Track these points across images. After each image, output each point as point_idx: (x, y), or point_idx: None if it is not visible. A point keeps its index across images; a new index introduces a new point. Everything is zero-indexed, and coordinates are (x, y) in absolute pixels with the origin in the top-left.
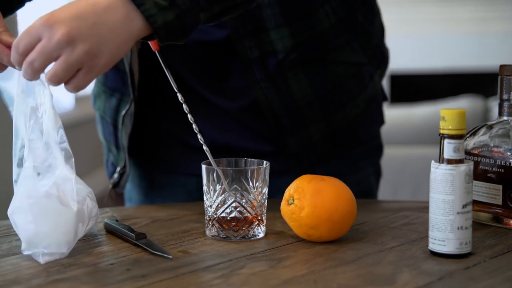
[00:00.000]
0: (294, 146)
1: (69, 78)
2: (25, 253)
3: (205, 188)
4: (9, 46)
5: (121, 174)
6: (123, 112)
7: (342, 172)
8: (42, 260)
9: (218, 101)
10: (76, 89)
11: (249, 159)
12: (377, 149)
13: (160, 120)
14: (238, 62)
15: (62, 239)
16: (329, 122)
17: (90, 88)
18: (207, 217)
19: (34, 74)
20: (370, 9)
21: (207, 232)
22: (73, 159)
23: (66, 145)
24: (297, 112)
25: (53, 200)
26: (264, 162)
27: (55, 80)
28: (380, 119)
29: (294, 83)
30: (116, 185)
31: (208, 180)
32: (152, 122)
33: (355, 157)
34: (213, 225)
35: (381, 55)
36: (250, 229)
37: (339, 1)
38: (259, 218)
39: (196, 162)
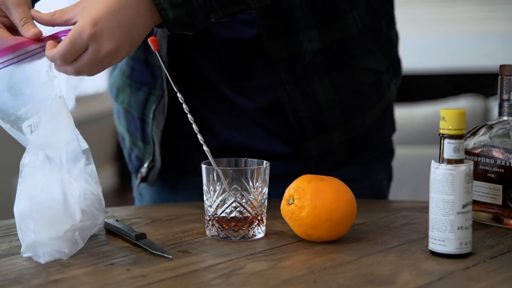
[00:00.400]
0: (314, 150)
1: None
2: (25, 255)
3: (205, 188)
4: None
5: (150, 169)
6: (153, 106)
7: (357, 177)
8: (42, 260)
9: (236, 99)
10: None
11: (249, 159)
12: (389, 153)
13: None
14: (260, 61)
15: (62, 248)
16: (349, 128)
17: (91, 88)
18: (207, 217)
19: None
20: (390, 18)
21: (207, 232)
22: (82, 161)
23: (78, 145)
24: (319, 115)
25: (55, 209)
26: (264, 162)
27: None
28: (393, 127)
29: (319, 86)
30: (144, 179)
31: (208, 180)
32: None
33: (369, 162)
34: (213, 225)
35: (397, 64)
36: (250, 229)
37: (365, 8)
38: (259, 218)
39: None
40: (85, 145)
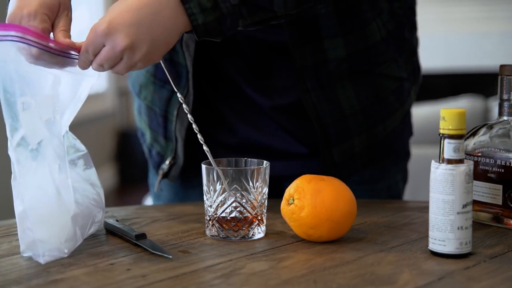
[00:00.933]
0: (336, 156)
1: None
2: (25, 255)
3: (205, 188)
4: (62, 45)
5: (172, 165)
6: (177, 104)
7: (374, 178)
8: (42, 260)
9: (256, 98)
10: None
11: (249, 159)
12: (406, 155)
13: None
14: (282, 61)
15: (61, 244)
16: (370, 135)
17: (92, 88)
18: (207, 217)
19: (103, 71)
20: (413, 25)
21: (207, 232)
22: (82, 160)
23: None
24: (343, 122)
25: (50, 204)
26: (264, 162)
27: (117, 73)
28: (410, 131)
29: (342, 93)
30: (165, 175)
31: (208, 180)
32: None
33: (386, 164)
34: (213, 225)
35: (418, 71)
36: (250, 229)
37: (389, 16)
38: (259, 218)
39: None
40: (83, 148)
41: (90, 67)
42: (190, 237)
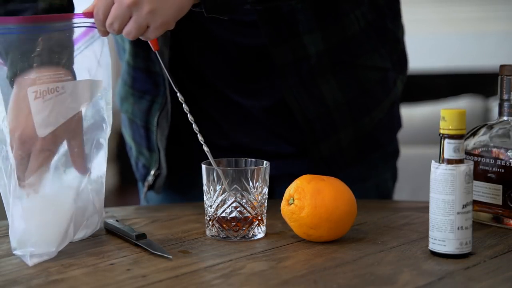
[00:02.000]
0: (324, 151)
1: (142, 32)
2: (15, 252)
3: (205, 188)
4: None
5: (156, 176)
6: (157, 114)
7: (363, 177)
8: (30, 262)
9: (241, 101)
10: (148, 39)
11: (249, 159)
12: (395, 152)
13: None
14: (263, 63)
15: (51, 238)
16: (357, 127)
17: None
18: (207, 217)
19: (117, 33)
20: (396, 14)
21: (207, 232)
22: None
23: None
24: (328, 116)
25: (45, 197)
26: (264, 162)
27: (130, 36)
28: (398, 123)
29: (325, 88)
30: (151, 187)
31: (208, 180)
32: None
33: (375, 161)
34: (213, 225)
35: (404, 60)
36: (250, 229)
37: (368, 7)
38: (259, 218)
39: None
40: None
41: None
42: (190, 237)
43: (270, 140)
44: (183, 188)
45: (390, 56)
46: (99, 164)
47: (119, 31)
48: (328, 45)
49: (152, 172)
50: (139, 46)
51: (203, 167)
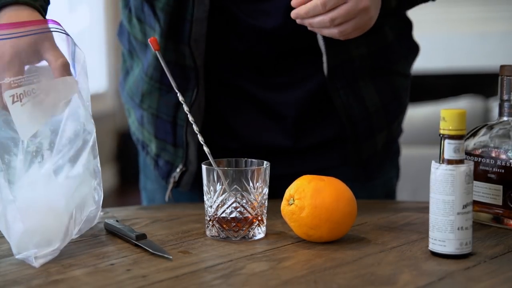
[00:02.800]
0: (364, 154)
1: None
2: (18, 257)
3: (205, 188)
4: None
5: (183, 172)
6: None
7: (371, 175)
8: (36, 263)
9: (259, 95)
10: (346, 38)
11: (250, 160)
12: (397, 150)
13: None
14: (286, 57)
15: (52, 236)
16: (389, 132)
17: (92, 88)
18: (207, 218)
19: (330, 28)
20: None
21: (208, 233)
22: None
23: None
24: (368, 119)
25: (40, 196)
26: (264, 162)
27: (344, 37)
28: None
29: (365, 91)
30: (177, 184)
31: (208, 181)
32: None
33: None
34: (213, 225)
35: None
36: (250, 230)
37: (398, 17)
38: (259, 218)
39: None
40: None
41: None
42: (190, 237)
43: (283, 136)
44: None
45: (410, 65)
46: (88, 160)
47: (336, 27)
48: (370, 50)
49: (178, 169)
50: (169, 39)
51: (203, 167)
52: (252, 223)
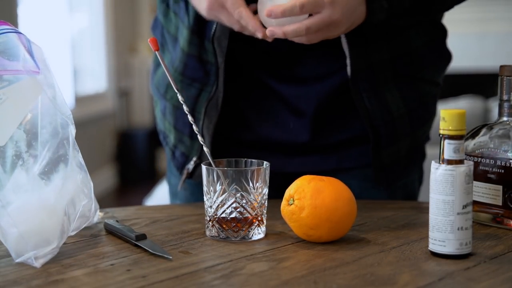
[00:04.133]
0: (386, 159)
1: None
2: (17, 260)
3: (205, 188)
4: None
5: (197, 164)
6: (204, 102)
7: (395, 182)
8: (37, 264)
9: (278, 88)
10: (306, 42)
11: (250, 160)
12: (423, 155)
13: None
14: (312, 57)
15: (48, 235)
16: (413, 138)
17: (92, 88)
18: (207, 218)
19: (298, 35)
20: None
21: (207, 233)
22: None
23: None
24: (392, 124)
25: (27, 198)
26: (264, 162)
27: (304, 39)
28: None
29: (389, 96)
30: (190, 175)
31: (208, 181)
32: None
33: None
34: (213, 225)
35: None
36: (250, 230)
37: (430, 24)
38: (259, 218)
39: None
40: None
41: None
42: (190, 237)
43: (299, 132)
44: (190, 185)
45: (441, 73)
46: (73, 156)
47: (302, 35)
48: (392, 54)
49: (193, 161)
50: (195, 34)
51: (203, 167)
52: (252, 223)
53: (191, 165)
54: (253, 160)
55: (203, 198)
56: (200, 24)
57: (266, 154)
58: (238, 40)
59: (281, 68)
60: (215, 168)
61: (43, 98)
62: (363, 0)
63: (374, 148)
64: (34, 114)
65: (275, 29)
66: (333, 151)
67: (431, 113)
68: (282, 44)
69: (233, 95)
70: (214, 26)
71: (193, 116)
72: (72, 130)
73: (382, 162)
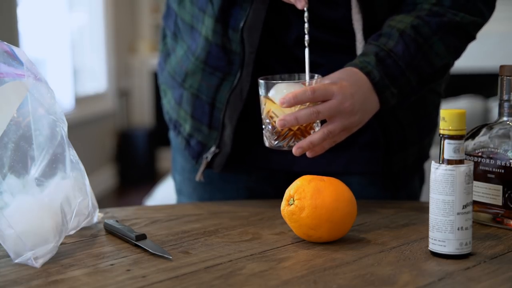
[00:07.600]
0: (395, 166)
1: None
2: (17, 261)
3: (262, 99)
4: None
5: (216, 154)
6: (226, 91)
7: (400, 188)
8: (37, 264)
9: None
10: (331, 145)
11: (302, 74)
12: (426, 156)
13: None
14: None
15: (46, 235)
16: (421, 147)
17: (91, 88)
18: (269, 127)
19: (309, 119)
20: None
21: (267, 143)
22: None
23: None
24: (402, 132)
25: (23, 199)
26: (316, 75)
27: (333, 139)
28: None
29: (398, 104)
30: (209, 165)
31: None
32: None
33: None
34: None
35: None
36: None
37: None
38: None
39: (261, 157)
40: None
41: None
42: (190, 237)
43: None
44: (194, 182)
45: (445, 84)
46: (66, 154)
47: (327, 128)
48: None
49: (212, 150)
50: (219, 22)
51: (262, 82)
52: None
53: (209, 154)
54: (301, 73)
55: (208, 195)
56: (224, 14)
57: (275, 152)
58: (267, 34)
59: (301, 71)
60: (277, 82)
61: (32, 101)
62: (371, 88)
63: (385, 153)
64: (25, 118)
65: (286, 117)
66: (342, 154)
67: (434, 124)
68: (302, 52)
69: (255, 86)
70: (245, 17)
71: (212, 105)
72: (64, 127)
73: (391, 169)
